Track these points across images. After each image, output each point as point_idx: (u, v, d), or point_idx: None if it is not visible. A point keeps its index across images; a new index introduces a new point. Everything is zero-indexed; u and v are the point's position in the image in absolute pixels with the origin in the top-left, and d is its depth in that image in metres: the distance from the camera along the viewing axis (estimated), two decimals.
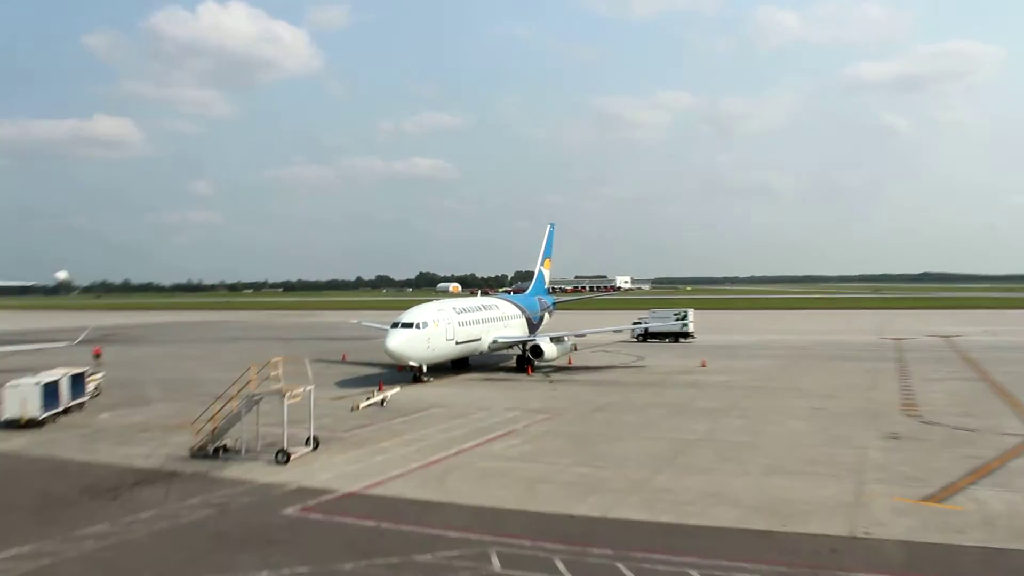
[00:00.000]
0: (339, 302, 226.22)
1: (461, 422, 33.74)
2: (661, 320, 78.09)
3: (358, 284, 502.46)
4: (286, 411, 28.11)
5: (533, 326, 61.76)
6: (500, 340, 53.64)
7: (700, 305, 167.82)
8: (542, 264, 70.68)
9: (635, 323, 79.21)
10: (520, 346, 55.00)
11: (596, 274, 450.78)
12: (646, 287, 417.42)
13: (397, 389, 42.20)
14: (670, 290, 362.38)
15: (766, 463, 26.13)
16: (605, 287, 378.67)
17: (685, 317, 78.04)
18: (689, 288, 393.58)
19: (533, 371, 51.62)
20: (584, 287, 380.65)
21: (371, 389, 41.55)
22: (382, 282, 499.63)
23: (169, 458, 28.19)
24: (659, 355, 62.76)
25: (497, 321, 54.95)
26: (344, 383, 47.22)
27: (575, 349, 63.70)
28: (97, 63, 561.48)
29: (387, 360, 50.63)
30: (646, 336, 75.69)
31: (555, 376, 49.89)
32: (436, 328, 46.27)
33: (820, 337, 78.13)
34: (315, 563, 18.59)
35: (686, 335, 76.77)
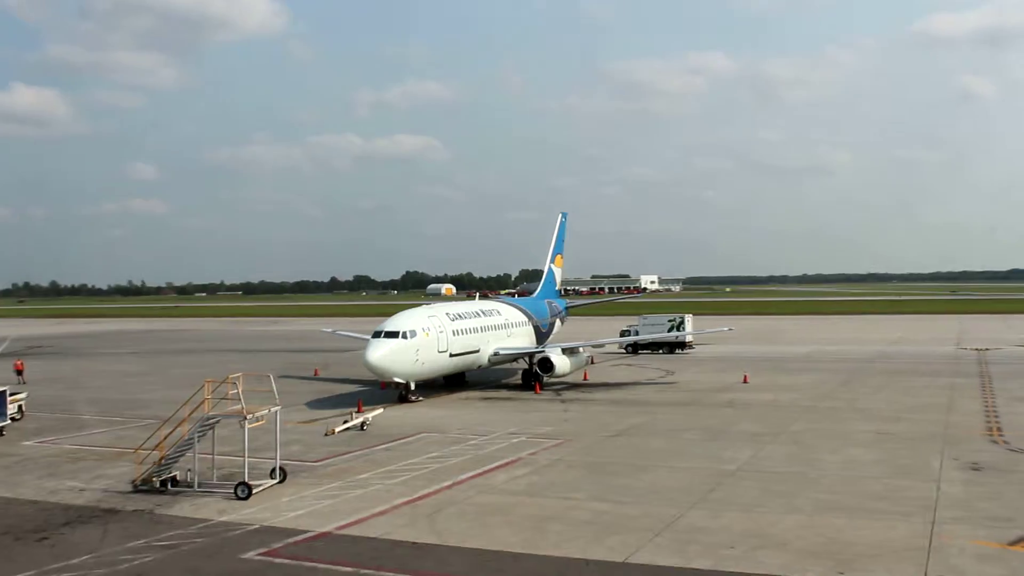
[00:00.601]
0: (310, 307, 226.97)
1: (456, 449, 33.77)
2: (653, 328, 78.57)
3: (333, 286, 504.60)
4: (247, 436, 28.19)
5: (542, 335, 61.89)
6: (502, 352, 53.78)
7: (741, 309, 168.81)
8: (552, 261, 70.79)
9: (623, 332, 79.55)
10: (526, 359, 55.16)
11: (617, 273, 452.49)
12: (676, 288, 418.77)
13: (380, 410, 42.28)
14: (705, 292, 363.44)
15: (820, 498, 26.11)
16: (627, 288, 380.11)
17: (681, 324, 78.59)
18: (728, 289, 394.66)
19: (542, 389, 51.74)
20: (602, 288, 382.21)
21: (349, 410, 41.63)
22: (361, 283, 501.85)
23: (107, 493, 28.27)
24: (691, 369, 62.86)
25: (499, 329, 55.10)
26: (316, 403, 47.36)
27: (592, 362, 63.86)
28: (14, 23, 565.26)
29: (368, 376, 50.59)
30: (636, 348, 75.93)
31: (568, 394, 50.00)
32: (426, 338, 46.39)
33: (885, 347, 78.13)
34: None
35: (682, 345, 77.10)
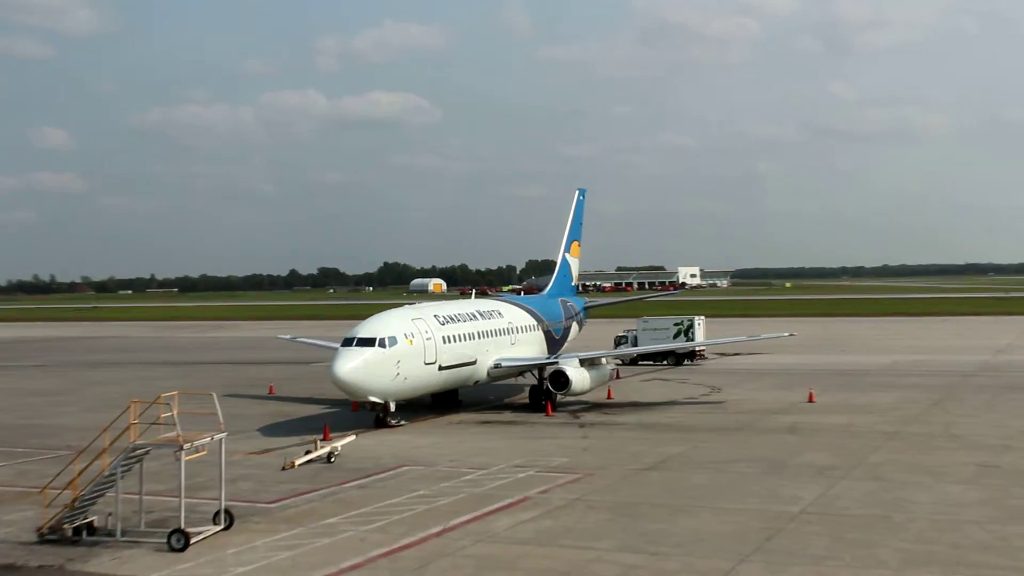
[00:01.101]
0: (264, 308, 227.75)
1: (447, 487, 33.71)
2: (655, 333, 78.69)
3: (292, 281, 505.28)
4: (184, 471, 28.11)
5: (554, 342, 62.01)
6: (505, 364, 53.84)
7: (805, 309, 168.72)
8: (567, 250, 70.84)
9: (618, 339, 79.59)
10: (535, 372, 55.30)
11: (648, 265, 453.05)
12: (723, 283, 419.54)
13: (351, 438, 42.27)
14: (759, 287, 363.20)
15: (908, 549, 25.95)
16: (662, 284, 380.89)
17: (690, 330, 78.72)
18: (789, 284, 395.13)
19: (555, 409, 51.80)
20: (630, 284, 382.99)
21: (312, 438, 41.60)
22: (328, 278, 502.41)
23: (4, 544, 28.21)
24: (742, 385, 62.97)
25: (501, 335, 55.26)
26: (272, 429, 47.53)
27: (617, 376, 63.92)
28: None
29: (336, 394, 50.62)
30: (636, 359, 75.96)
31: (587, 417, 50.13)
32: (409, 346, 46.41)
33: (989, 357, 78.05)
34: None
35: (692, 355, 77.25)
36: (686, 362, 76.07)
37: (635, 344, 75.11)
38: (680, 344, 75.33)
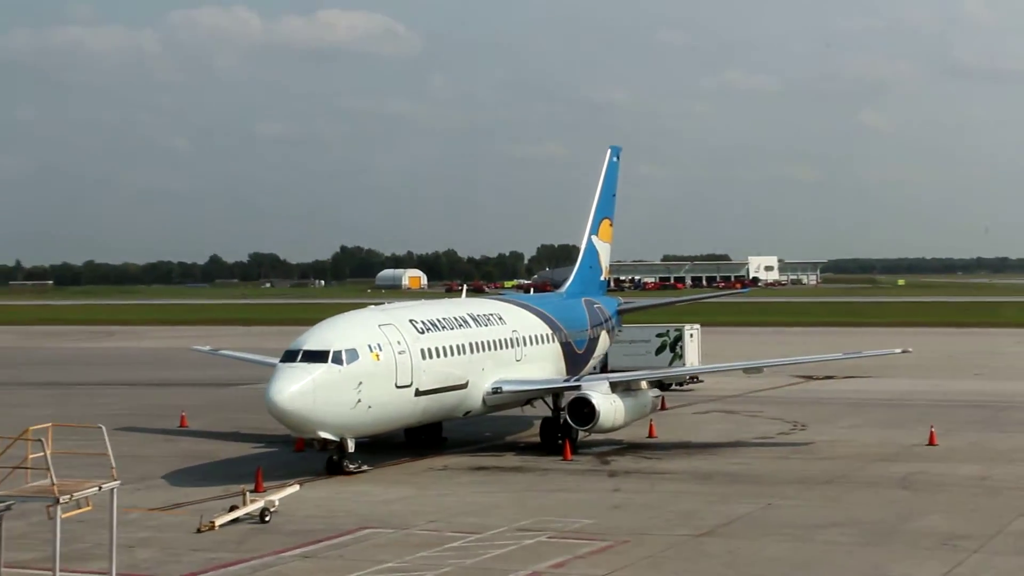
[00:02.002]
0: (174, 309, 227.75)
1: (427, 558, 33.68)
2: (630, 348, 78.93)
3: (213, 272, 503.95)
4: (59, 533, 28.03)
5: (576, 358, 62.09)
6: (508, 388, 53.88)
7: (924, 315, 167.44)
8: (594, 232, 70.79)
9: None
10: (549, 400, 55.27)
11: (707, 254, 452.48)
12: (810, 279, 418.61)
13: (293, 488, 42.14)
14: (861, 285, 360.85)
15: None
16: (725, 280, 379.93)
17: (677, 343, 78.96)
18: (902, 282, 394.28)
19: (575, 451, 51.73)
20: (681, 280, 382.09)
21: (240, 488, 41.46)
22: (262, 267, 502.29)
23: None
24: (835, 420, 62.82)
25: (502, 349, 55.34)
26: (184, 476, 47.49)
27: (662, 408, 63.77)
28: None
29: (274, 426, 50.44)
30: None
31: (620, 462, 50.10)
32: (375, 362, 46.35)
33: None
34: None
35: (681, 381, 77.23)
36: (674, 386, 75.38)
37: (604, 366, 72.15)
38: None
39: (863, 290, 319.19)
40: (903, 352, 63.54)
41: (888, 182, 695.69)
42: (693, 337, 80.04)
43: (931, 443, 53.51)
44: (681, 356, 77.74)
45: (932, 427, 55.22)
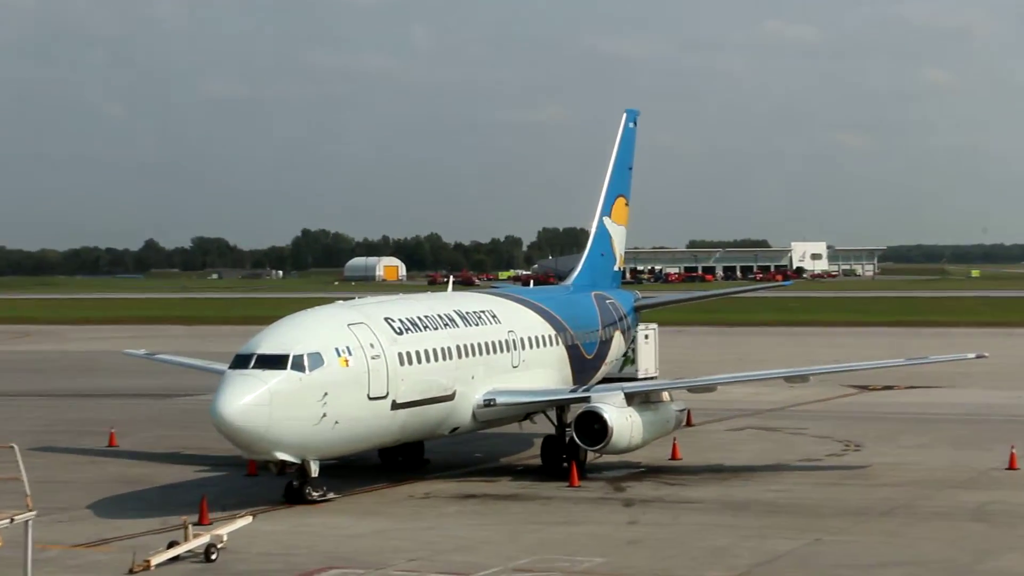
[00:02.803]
0: (101, 304, 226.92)
1: None
2: None
3: (149, 260, 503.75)
4: None
5: (584, 363, 62.17)
6: (503, 400, 53.85)
7: (1004, 314, 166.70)
8: (607, 212, 70.79)
9: None
10: (553, 414, 55.28)
11: (741, 239, 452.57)
12: (866, 270, 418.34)
13: (246, 520, 42.03)
14: (927, 276, 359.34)
15: None
16: (763, 270, 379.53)
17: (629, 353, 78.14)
18: (976, 273, 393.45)
19: (584, 476, 51.78)
20: (711, 271, 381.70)
21: (182, 520, 41.41)
22: (207, 255, 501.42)
23: None
24: (899, 438, 62.95)
25: (496, 353, 55.34)
26: (114, 505, 47.38)
27: (688, 424, 63.75)
28: None
29: (222, 446, 50.33)
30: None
31: (637, 488, 50.12)
32: (343, 369, 46.35)
33: None
34: None
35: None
36: None
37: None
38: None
39: (929, 283, 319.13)
40: (978, 357, 63.33)
41: (958, 151, 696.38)
42: (648, 339, 78.61)
43: (1012, 467, 53.31)
44: (633, 361, 76.49)
45: (1013, 448, 54.93)
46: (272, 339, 46.47)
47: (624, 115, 72.09)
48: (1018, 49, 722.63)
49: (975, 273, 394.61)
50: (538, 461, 55.11)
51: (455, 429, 53.07)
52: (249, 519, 41.83)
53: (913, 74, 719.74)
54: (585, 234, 71.02)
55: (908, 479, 51.45)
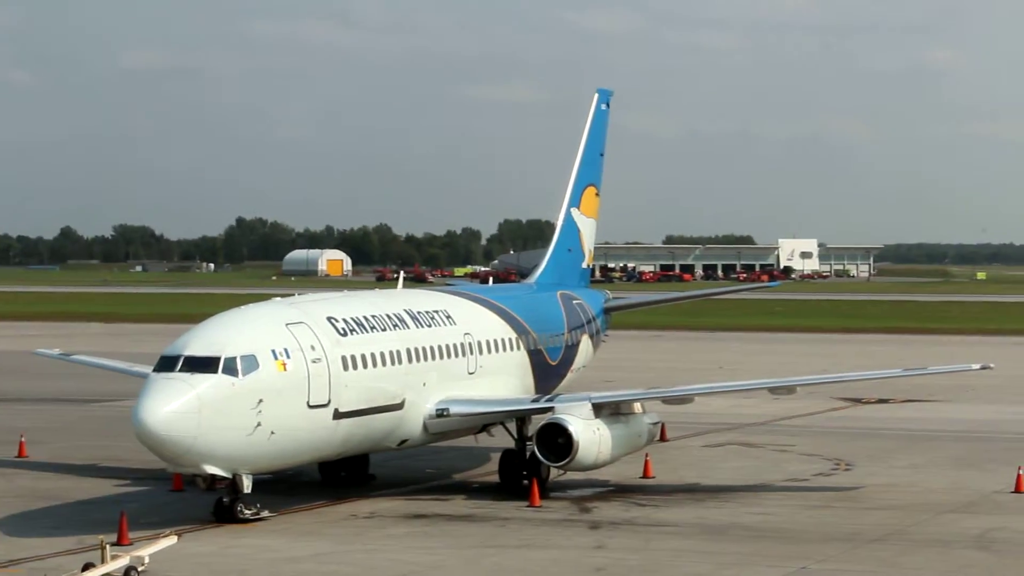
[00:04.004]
0: (10, 298, 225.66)
1: None
2: None
3: (65, 251, 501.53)
4: None
5: (548, 370, 62.39)
6: (458, 409, 53.90)
7: (1013, 322, 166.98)
8: (575, 203, 70.93)
9: None
10: (513, 427, 55.45)
11: (724, 235, 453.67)
12: (861, 270, 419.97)
13: (170, 540, 41.99)
14: (928, 279, 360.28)
15: None
16: (747, 269, 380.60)
17: None
18: (982, 275, 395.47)
19: (546, 495, 51.94)
20: (688, 269, 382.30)
21: (99, 540, 41.34)
22: (131, 245, 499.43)
23: None
24: (893, 457, 63.30)
25: (450, 357, 55.44)
26: (23, 521, 47.27)
27: (662, 439, 63.90)
28: None
29: (145, 458, 50.22)
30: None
31: (605, 510, 50.23)
32: (280, 373, 46.33)
33: None
34: None
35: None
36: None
37: None
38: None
39: (930, 286, 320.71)
40: (982, 369, 63.51)
41: (963, 139, 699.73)
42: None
43: (1018, 490, 53.59)
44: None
45: (1020, 469, 55.22)
46: (201, 339, 46.36)
47: (596, 95, 72.16)
48: None
49: (981, 275, 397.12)
50: (496, 478, 55.23)
51: (404, 441, 53.06)
52: (174, 539, 41.77)
53: (912, 54, 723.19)
54: (551, 227, 71.10)
55: (903, 502, 51.61)
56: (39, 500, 51.37)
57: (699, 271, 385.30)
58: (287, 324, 48.09)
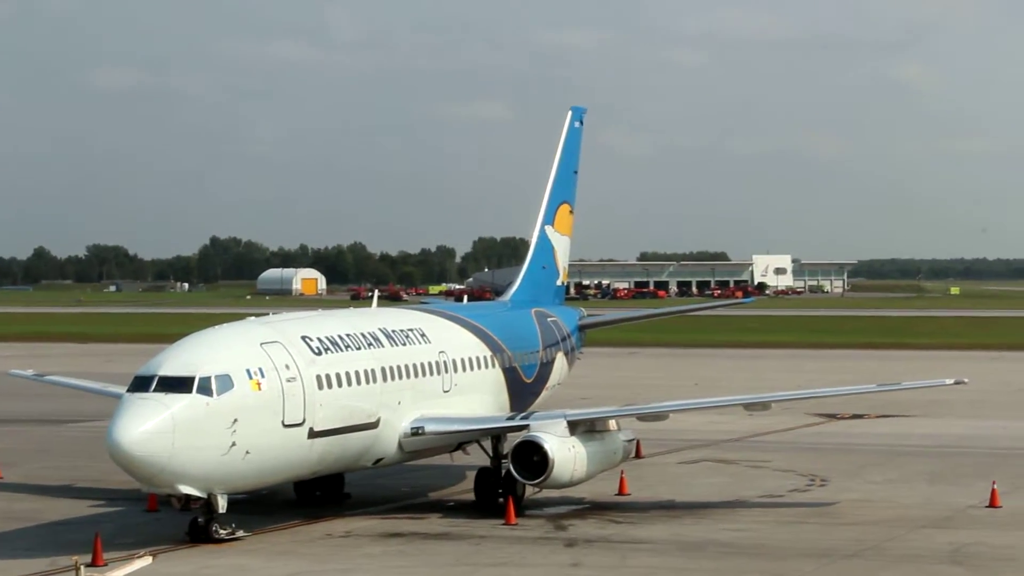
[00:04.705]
0: None
1: None
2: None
3: (39, 271, 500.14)
4: None
5: (523, 388, 62.41)
6: (433, 428, 53.82)
7: (986, 336, 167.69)
8: (549, 221, 70.96)
9: None
10: (488, 445, 55.43)
11: (698, 251, 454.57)
12: (835, 285, 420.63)
13: (146, 561, 41.88)
14: (902, 295, 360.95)
15: None
16: (722, 285, 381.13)
17: None
18: (956, 290, 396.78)
19: (521, 513, 51.92)
20: (663, 286, 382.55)
21: (73, 560, 41.20)
22: (105, 264, 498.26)
23: None
24: (867, 472, 63.45)
25: (425, 376, 55.42)
26: None
27: (637, 456, 63.94)
28: None
29: (120, 478, 50.10)
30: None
31: (581, 527, 50.21)
32: (255, 393, 46.26)
33: None
34: None
35: None
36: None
37: None
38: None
39: (904, 301, 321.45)
40: (956, 384, 63.70)
41: (936, 155, 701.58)
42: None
43: (993, 505, 53.66)
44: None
45: (994, 484, 55.48)
46: (176, 359, 46.24)
47: (569, 113, 72.14)
48: (998, 43, 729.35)
49: (955, 290, 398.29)
50: (471, 496, 55.17)
51: (379, 460, 53.00)
52: (149, 560, 41.70)
53: (883, 66, 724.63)
54: (525, 245, 71.05)
55: (878, 518, 51.66)
56: (13, 521, 51.17)
57: (673, 288, 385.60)
58: (261, 343, 48.02)
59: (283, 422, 46.88)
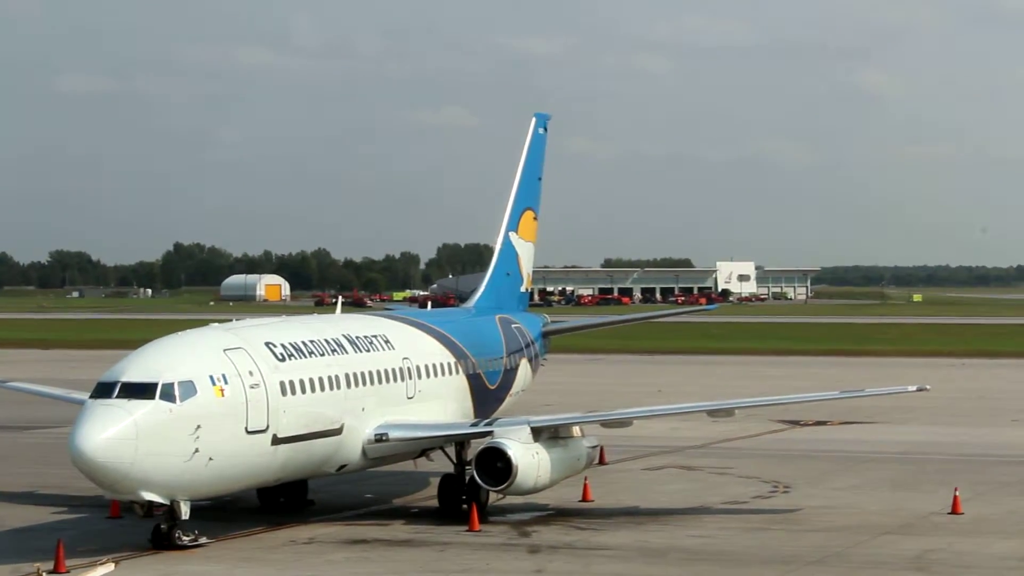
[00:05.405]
0: None
1: None
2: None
3: (1, 276, 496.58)
4: None
5: (487, 394, 62.38)
6: (397, 434, 53.79)
7: (948, 342, 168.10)
8: (513, 227, 70.97)
9: None
10: (452, 451, 55.30)
11: (662, 258, 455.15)
12: (798, 292, 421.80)
13: (108, 568, 41.83)
14: (865, 301, 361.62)
15: None
16: (685, 292, 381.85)
17: None
18: (918, 297, 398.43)
19: (484, 518, 51.85)
20: (627, 293, 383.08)
21: (35, 567, 41.14)
22: (67, 270, 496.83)
23: None
24: (831, 479, 63.50)
25: (389, 382, 55.36)
26: None
27: (600, 462, 63.93)
28: None
29: (82, 485, 49.89)
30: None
31: (544, 534, 50.16)
32: (218, 399, 46.13)
33: None
34: None
35: None
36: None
37: None
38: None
39: (867, 307, 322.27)
40: (919, 390, 63.87)
41: (899, 164, 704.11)
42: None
43: (955, 511, 53.73)
44: None
45: (956, 490, 55.45)
46: (139, 365, 46.11)
47: (533, 119, 72.05)
48: (964, 52, 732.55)
49: (917, 297, 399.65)
50: (435, 502, 55.15)
51: (343, 467, 52.91)
52: (111, 567, 41.64)
53: (847, 74, 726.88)
54: (489, 251, 71.00)
55: (841, 524, 51.71)
56: None
57: (638, 294, 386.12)
58: (225, 350, 47.90)
59: (246, 428, 46.76)
